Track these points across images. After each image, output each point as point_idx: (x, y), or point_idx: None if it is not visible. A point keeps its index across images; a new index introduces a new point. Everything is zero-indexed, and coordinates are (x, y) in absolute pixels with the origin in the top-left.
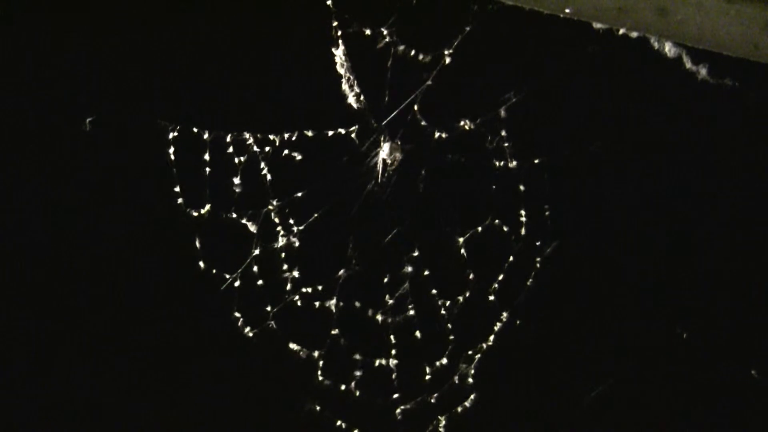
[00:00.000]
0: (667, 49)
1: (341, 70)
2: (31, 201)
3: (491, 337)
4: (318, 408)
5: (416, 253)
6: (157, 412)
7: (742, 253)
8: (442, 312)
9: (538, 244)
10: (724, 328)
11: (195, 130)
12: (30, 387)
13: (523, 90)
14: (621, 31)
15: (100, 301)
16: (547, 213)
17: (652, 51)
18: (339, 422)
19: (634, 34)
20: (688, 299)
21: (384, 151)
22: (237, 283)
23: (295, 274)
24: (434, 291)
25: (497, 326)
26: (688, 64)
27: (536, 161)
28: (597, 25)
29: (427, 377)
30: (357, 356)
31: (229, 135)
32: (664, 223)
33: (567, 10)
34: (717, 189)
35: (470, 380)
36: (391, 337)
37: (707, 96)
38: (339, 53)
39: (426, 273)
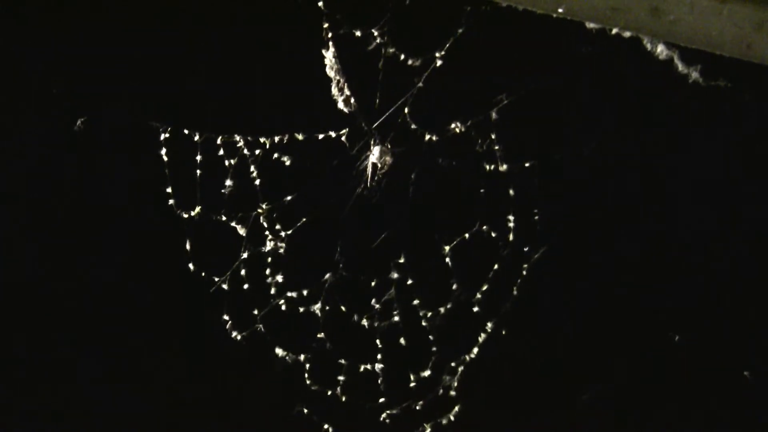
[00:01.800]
0: (659, 49)
1: (331, 73)
2: (20, 201)
3: (475, 349)
4: (306, 411)
5: (402, 260)
6: (145, 413)
7: (734, 255)
8: (424, 324)
9: (526, 249)
10: (715, 330)
11: (186, 131)
12: (17, 386)
13: (515, 92)
14: (614, 31)
15: (88, 301)
16: (536, 218)
17: (645, 51)
18: (326, 426)
19: (627, 34)
20: (679, 301)
21: (374, 154)
22: (225, 286)
23: (280, 278)
24: (417, 301)
25: (481, 337)
26: (681, 65)
27: (527, 164)
28: (590, 25)
29: (412, 384)
30: (343, 360)
31: (220, 137)
32: (655, 228)
33: (560, 10)
34: (711, 191)
35: (453, 393)
36: (377, 341)
37: (700, 96)
38: (329, 55)
39: (410, 282)
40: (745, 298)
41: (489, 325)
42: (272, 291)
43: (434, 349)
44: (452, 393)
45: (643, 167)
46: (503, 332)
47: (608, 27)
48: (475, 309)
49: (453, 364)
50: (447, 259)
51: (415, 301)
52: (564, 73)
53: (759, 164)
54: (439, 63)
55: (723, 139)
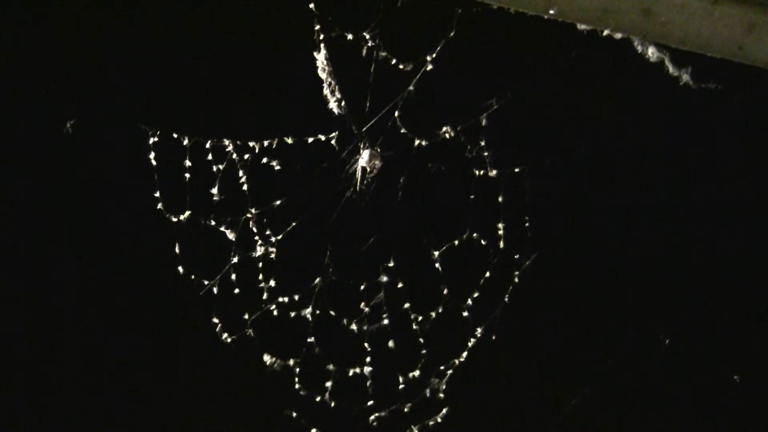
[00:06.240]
0: (650, 51)
1: (323, 75)
2: (9, 204)
3: (464, 354)
4: (294, 415)
5: (392, 264)
6: (134, 415)
7: (724, 258)
8: (414, 327)
9: (516, 257)
10: (705, 334)
11: (175, 135)
12: (7, 389)
13: (506, 95)
14: (605, 33)
15: (78, 304)
16: (527, 224)
17: (636, 53)
18: (314, 430)
19: (618, 36)
20: (670, 306)
21: (363, 158)
22: (215, 290)
23: (271, 283)
24: (407, 305)
25: (471, 342)
26: (672, 67)
27: (517, 170)
28: (581, 27)
29: (401, 386)
30: (332, 364)
31: (209, 141)
32: (647, 232)
33: (551, 11)
34: (703, 194)
35: (441, 395)
36: (366, 345)
37: (691, 98)
38: (321, 58)
39: (400, 285)
40: (735, 302)
41: (479, 330)
42: (263, 296)
43: (423, 352)
44: (440, 395)
45: (633, 171)
46: (493, 337)
47: (599, 29)
48: (465, 314)
49: (442, 368)
50: (437, 264)
51: (406, 305)
52: (555, 75)
53: (751, 166)
54: (430, 67)
55: (715, 142)
